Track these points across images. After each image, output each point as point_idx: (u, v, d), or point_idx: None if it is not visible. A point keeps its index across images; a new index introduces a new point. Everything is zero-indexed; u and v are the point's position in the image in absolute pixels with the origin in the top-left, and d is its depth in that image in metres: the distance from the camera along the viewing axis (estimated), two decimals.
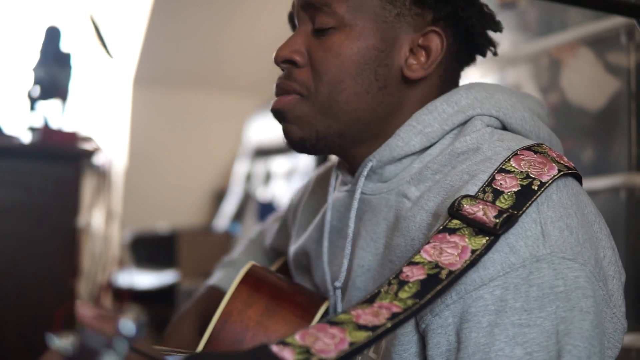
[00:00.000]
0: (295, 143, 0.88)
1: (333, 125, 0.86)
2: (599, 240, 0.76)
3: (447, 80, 0.89)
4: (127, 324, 0.53)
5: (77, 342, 0.53)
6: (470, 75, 1.99)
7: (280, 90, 0.88)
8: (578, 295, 0.69)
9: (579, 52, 1.66)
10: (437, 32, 0.85)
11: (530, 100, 0.89)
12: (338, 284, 0.88)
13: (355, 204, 0.88)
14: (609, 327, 0.75)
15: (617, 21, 1.53)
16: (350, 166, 0.91)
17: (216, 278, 1.16)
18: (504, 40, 1.94)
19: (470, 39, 0.90)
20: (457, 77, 0.92)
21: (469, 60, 0.93)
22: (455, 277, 0.68)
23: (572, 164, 0.79)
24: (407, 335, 0.76)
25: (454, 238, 0.70)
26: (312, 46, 0.86)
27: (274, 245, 1.20)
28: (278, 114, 0.88)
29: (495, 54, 0.93)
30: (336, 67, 0.84)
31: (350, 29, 0.84)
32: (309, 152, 0.90)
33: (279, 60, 0.88)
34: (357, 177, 0.89)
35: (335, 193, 0.95)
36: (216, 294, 1.12)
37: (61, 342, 0.54)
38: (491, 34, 0.93)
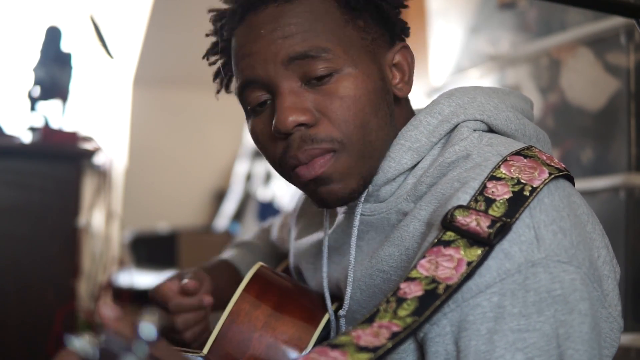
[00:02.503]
0: (344, 200, 0.84)
1: (372, 164, 0.84)
2: (593, 240, 0.76)
3: None
4: (147, 328, 0.53)
5: (97, 345, 0.53)
6: (470, 76, 2.01)
7: (307, 159, 0.81)
8: (576, 297, 0.69)
9: (579, 52, 1.66)
10: (404, 46, 0.88)
11: (512, 96, 0.88)
12: (342, 312, 0.88)
13: (355, 231, 0.87)
14: (604, 328, 0.75)
15: (616, 21, 1.53)
16: None
17: (229, 254, 1.17)
18: (504, 40, 1.94)
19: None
20: None
21: None
22: (453, 291, 0.68)
23: (563, 165, 0.78)
24: (405, 343, 0.76)
25: (449, 251, 0.70)
26: (318, 99, 0.81)
27: (281, 237, 1.21)
28: (321, 180, 0.82)
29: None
30: (360, 110, 0.81)
31: (355, 69, 0.81)
32: (354, 200, 0.86)
33: (290, 127, 0.80)
34: (352, 203, 0.88)
35: (338, 217, 0.94)
36: (229, 268, 1.13)
37: (81, 343, 0.53)
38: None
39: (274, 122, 0.81)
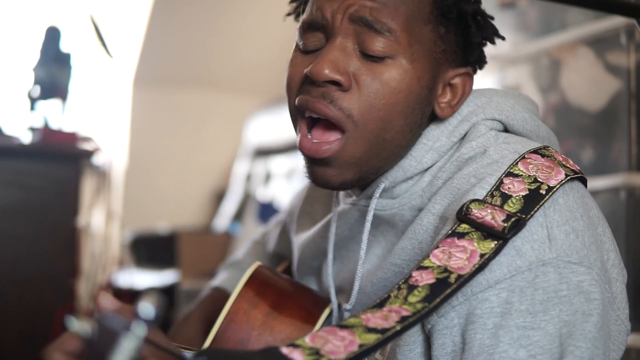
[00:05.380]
0: (334, 186, 0.82)
1: (376, 163, 0.82)
2: (603, 243, 0.77)
3: None
4: (147, 307, 0.53)
5: (96, 325, 0.53)
6: None
7: (318, 112, 0.78)
8: (581, 299, 0.70)
9: (579, 52, 1.65)
10: (470, 74, 0.85)
11: (524, 99, 0.89)
12: (348, 306, 0.88)
13: (368, 226, 0.86)
14: (613, 329, 0.75)
15: (617, 21, 1.53)
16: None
17: (220, 279, 1.16)
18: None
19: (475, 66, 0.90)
20: None
21: None
22: (464, 281, 0.68)
23: (578, 167, 0.79)
24: (413, 335, 0.76)
25: (463, 242, 0.71)
26: (362, 70, 0.78)
27: (277, 250, 1.20)
28: (319, 160, 0.80)
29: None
30: (392, 104, 0.78)
31: (411, 64, 0.78)
32: (344, 190, 0.86)
33: (323, 79, 0.77)
34: (365, 196, 0.88)
35: (340, 205, 0.94)
36: (221, 295, 1.12)
37: (81, 325, 0.54)
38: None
39: (310, 66, 0.78)
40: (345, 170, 0.80)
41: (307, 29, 0.82)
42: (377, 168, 0.83)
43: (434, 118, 0.86)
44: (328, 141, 0.79)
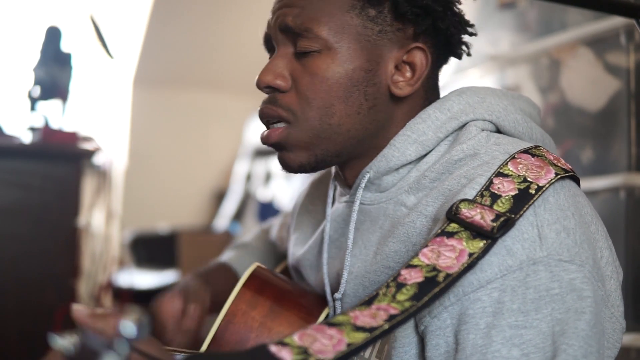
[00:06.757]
0: (293, 169, 0.88)
1: (330, 148, 0.86)
2: (596, 240, 0.77)
3: (431, 88, 0.90)
4: (128, 325, 0.53)
5: (78, 342, 0.54)
6: (470, 76, 2.00)
7: (265, 116, 0.87)
8: (573, 297, 0.70)
9: (579, 52, 1.66)
10: (421, 47, 0.86)
11: (521, 101, 0.89)
12: (338, 295, 0.89)
13: (354, 215, 0.88)
14: (607, 327, 0.75)
15: (616, 21, 1.53)
16: (346, 178, 0.92)
17: (227, 257, 1.18)
18: (504, 40, 1.94)
19: (448, 46, 0.90)
20: (437, 81, 0.92)
21: (444, 63, 0.93)
22: (453, 280, 0.68)
23: (570, 166, 0.79)
24: (407, 337, 0.76)
25: (452, 241, 0.71)
26: (296, 70, 0.85)
27: (277, 244, 1.21)
28: (277, 146, 0.88)
29: (469, 54, 0.93)
30: (325, 92, 0.83)
31: (335, 52, 0.83)
32: (306, 172, 0.91)
33: (262, 86, 0.86)
34: (354, 189, 0.89)
35: (335, 204, 0.95)
36: (226, 270, 1.14)
37: (62, 342, 0.54)
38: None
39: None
40: (299, 153, 0.86)
41: (265, 46, 0.91)
42: (336, 152, 0.86)
43: (415, 108, 0.87)
44: (276, 128, 0.86)
